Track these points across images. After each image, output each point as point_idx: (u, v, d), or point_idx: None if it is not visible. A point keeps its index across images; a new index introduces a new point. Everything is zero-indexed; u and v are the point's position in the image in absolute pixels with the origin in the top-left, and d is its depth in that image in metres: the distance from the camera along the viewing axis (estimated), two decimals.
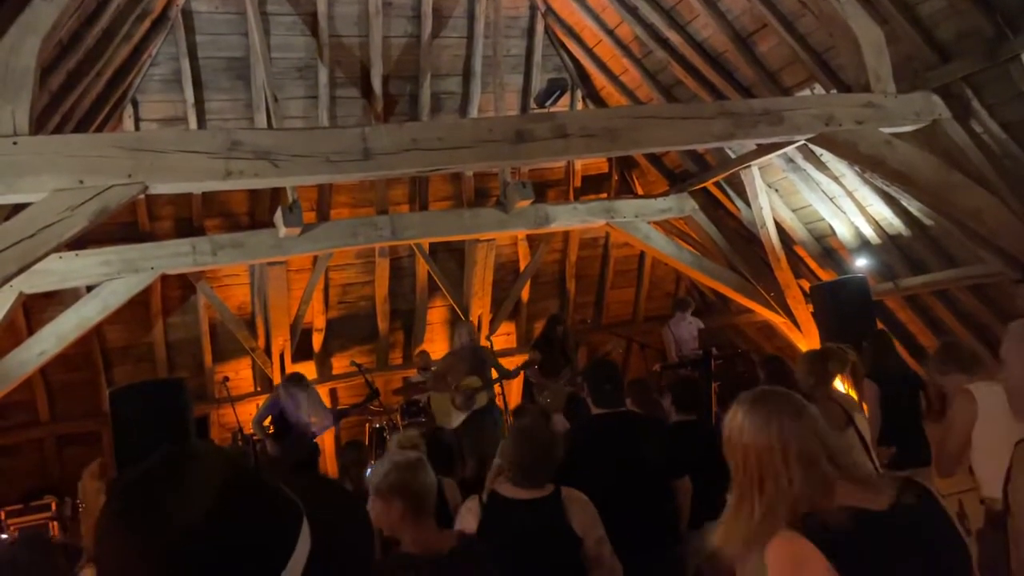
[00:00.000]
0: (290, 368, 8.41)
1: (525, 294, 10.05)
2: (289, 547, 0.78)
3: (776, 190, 8.13)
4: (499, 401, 7.90)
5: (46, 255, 4.13)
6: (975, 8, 5.27)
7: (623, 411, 3.70)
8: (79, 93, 6.33)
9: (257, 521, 0.77)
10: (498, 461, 3.62)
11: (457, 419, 7.43)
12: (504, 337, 10.09)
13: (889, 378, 5.04)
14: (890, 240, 7.45)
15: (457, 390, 7.59)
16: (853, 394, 4.44)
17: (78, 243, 6.40)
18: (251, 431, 7.15)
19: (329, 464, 8.67)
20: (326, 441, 8.86)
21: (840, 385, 4.53)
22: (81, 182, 4.04)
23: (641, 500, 3.48)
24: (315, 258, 8.57)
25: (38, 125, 4.99)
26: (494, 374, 7.79)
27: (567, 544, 2.90)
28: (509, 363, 9.33)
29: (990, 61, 5.34)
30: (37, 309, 7.59)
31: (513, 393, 9.36)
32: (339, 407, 8.21)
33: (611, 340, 9.33)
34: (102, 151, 4.14)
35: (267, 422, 6.88)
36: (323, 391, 8.34)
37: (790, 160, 7.57)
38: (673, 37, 7.43)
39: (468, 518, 2.99)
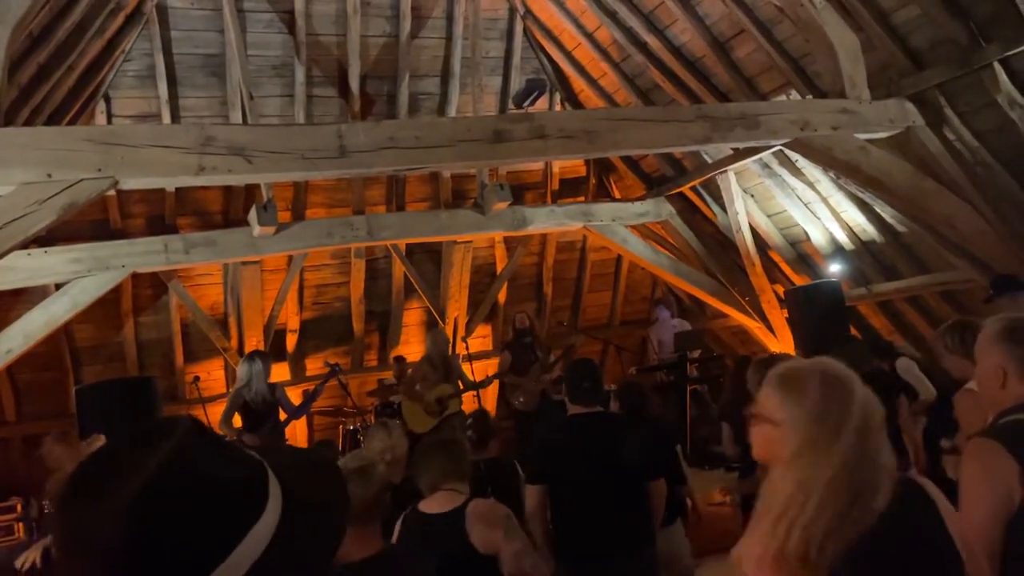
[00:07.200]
0: None
1: (502, 296, 10.02)
2: (255, 512, 0.77)
3: (752, 195, 8.18)
4: (474, 403, 7.88)
5: (12, 250, 4.05)
6: (949, 16, 5.33)
7: (600, 410, 3.67)
8: (50, 87, 6.23)
9: (220, 483, 0.76)
10: None
11: (428, 425, 7.41)
12: (480, 340, 10.05)
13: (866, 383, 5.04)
14: (863, 246, 7.51)
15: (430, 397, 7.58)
16: None
17: (47, 240, 6.31)
18: (221, 432, 7.01)
19: None
20: (298, 439, 8.77)
21: None
22: (49, 175, 3.97)
23: (617, 500, 3.46)
24: (290, 258, 8.49)
25: (6, 119, 4.89)
26: (460, 385, 7.81)
27: (473, 562, 2.68)
28: (485, 365, 9.32)
29: (963, 69, 5.40)
30: (4, 307, 7.43)
31: (488, 398, 9.33)
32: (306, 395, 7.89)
33: (572, 336, 9.38)
34: (72, 144, 4.07)
35: (235, 419, 6.65)
36: (296, 393, 8.24)
37: (766, 165, 7.61)
38: (652, 41, 7.46)
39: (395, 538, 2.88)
